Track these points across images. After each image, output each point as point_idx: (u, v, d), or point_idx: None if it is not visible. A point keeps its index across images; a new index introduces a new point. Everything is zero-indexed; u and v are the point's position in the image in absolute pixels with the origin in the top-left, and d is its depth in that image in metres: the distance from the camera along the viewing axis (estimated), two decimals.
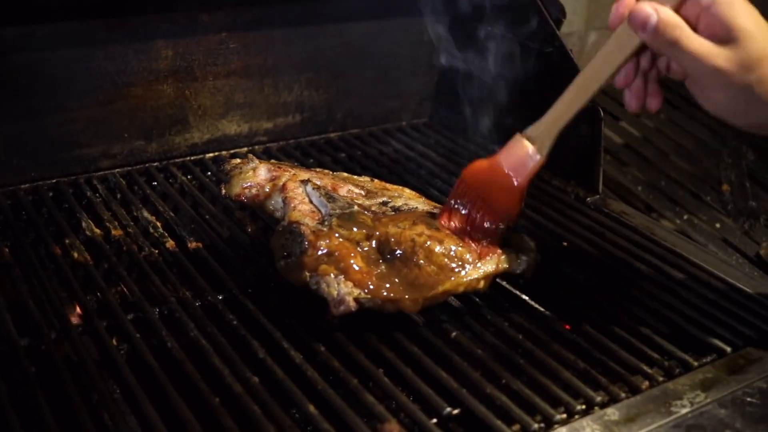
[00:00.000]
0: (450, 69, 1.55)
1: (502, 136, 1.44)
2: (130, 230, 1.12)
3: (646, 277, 1.07)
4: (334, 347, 0.89)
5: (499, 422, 0.80)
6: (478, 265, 0.95)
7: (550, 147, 0.93)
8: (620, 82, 0.90)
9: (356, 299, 0.89)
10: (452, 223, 0.97)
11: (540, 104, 1.38)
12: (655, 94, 0.91)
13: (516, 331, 0.95)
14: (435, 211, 1.04)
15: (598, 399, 0.84)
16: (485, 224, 0.96)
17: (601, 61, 0.89)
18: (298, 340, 0.90)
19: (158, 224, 1.15)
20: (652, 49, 0.86)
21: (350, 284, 0.89)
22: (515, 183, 0.95)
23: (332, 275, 0.90)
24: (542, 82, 1.37)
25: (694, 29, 0.82)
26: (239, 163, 1.14)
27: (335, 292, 0.89)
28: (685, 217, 1.49)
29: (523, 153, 0.94)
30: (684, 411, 0.83)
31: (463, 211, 0.97)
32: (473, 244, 0.95)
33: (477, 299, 1.00)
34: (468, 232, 0.96)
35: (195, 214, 1.18)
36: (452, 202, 0.98)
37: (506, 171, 0.95)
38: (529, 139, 0.93)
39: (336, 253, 0.92)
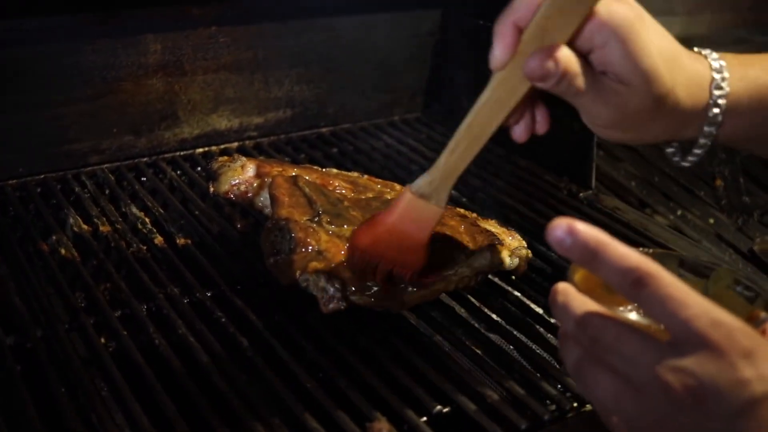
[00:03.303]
0: (441, 63, 1.55)
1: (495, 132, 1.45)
2: (118, 226, 1.11)
3: None
4: (323, 345, 0.89)
5: (489, 420, 0.79)
6: (470, 262, 0.94)
7: (446, 198, 0.84)
8: (511, 120, 0.82)
9: (346, 297, 0.88)
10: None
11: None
12: (543, 121, 0.84)
13: (507, 328, 0.94)
14: None
15: None
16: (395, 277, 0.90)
17: (491, 106, 0.78)
18: (287, 337, 0.89)
19: (147, 220, 1.14)
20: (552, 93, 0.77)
21: (341, 282, 0.89)
22: (417, 240, 0.86)
23: (322, 273, 0.89)
24: None
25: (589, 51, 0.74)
26: (227, 161, 1.13)
27: (325, 290, 0.88)
28: (679, 212, 1.49)
29: (420, 212, 0.85)
30: None
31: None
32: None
33: (468, 295, 0.99)
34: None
35: (184, 210, 1.17)
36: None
37: (405, 231, 0.86)
38: (422, 196, 0.84)
39: (326, 251, 0.91)
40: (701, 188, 1.56)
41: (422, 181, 0.84)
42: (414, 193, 0.84)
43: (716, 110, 0.78)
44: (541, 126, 0.84)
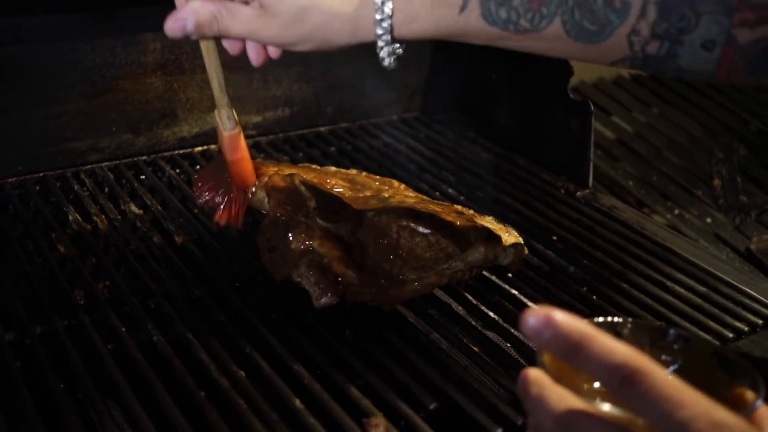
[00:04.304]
0: (440, 63, 1.55)
1: (492, 130, 1.45)
2: (117, 224, 1.11)
3: (636, 272, 1.07)
4: (320, 342, 0.89)
5: (485, 417, 0.80)
6: (464, 257, 0.95)
7: (231, 124, 1.02)
8: (232, 50, 0.90)
9: (339, 292, 0.89)
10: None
11: (530, 97, 1.39)
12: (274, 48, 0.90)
13: (504, 326, 0.94)
14: (423, 204, 1.04)
15: None
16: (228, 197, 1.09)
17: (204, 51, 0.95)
18: (285, 334, 0.90)
19: (146, 218, 1.14)
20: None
21: (334, 278, 0.89)
22: (231, 161, 1.05)
23: (316, 268, 0.89)
24: (532, 75, 1.37)
25: None
26: None
27: (317, 286, 0.88)
28: (676, 211, 1.49)
29: (222, 141, 1.05)
30: None
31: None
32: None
33: (465, 292, 0.99)
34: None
35: (183, 208, 1.17)
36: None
37: (225, 159, 1.06)
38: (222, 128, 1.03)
39: (320, 246, 0.92)
40: (699, 187, 1.57)
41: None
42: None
43: (380, 15, 0.79)
44: (273, 51, 0.90)
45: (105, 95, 1.27)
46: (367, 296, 0.90)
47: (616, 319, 0.59)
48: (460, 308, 0.98)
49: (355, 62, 1.48)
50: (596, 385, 0.56)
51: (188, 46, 1.31)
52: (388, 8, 0.79)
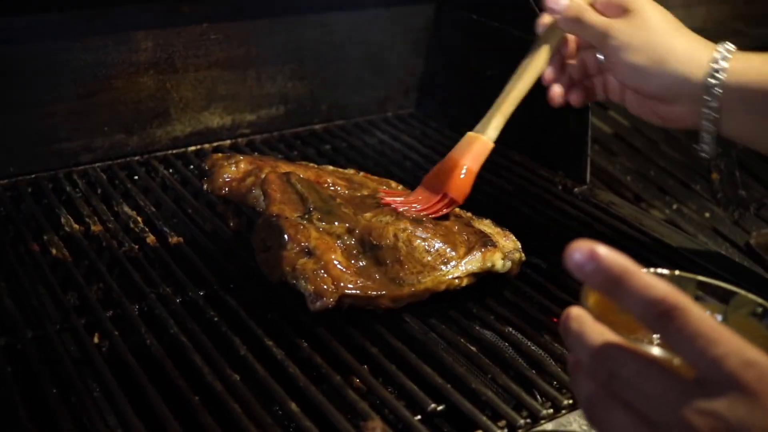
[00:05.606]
0: (435, 59, 1.54)
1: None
2: (110, 226, 1.10)
3: None
4: (316, 343, 0.88)
5: (484, 418, 0.79)
6: (461, 263, 0.93)
7: (495, 135, 1.05)
8: (547, 77, 1.04)
9: (334, 295, 0.88)
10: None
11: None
12: (576, 90, 1.06)
13: (502, 325, 0.93)
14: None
15: None
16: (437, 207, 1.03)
17: (532, 56, 1.04)
18: (281, 335, 0.89)
19: (139, 219, 1.13)
20: (565, 29, 1.02)
21: (329, 280, 0.88)
22: (468, 167, 1.03)
23: (311, 270, 0.88)
24: None
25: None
26: (220, 158, 1.12)
27: (312, 288, 0.87)
28: (675, 206, 1.48)
29: (472, 142, 1.05)
30: None
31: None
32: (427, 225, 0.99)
33: (462, 293, 0.98)
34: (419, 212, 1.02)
35: (177, 208, 1.16)
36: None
37: (457, 159, 1.04)
38: (477, 132, 1.05)
39: (316, 248, 0.91)
40: (697, 182, 1.56)
41: (479, 125, 1.06)
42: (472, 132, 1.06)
43: (712, 80, 0.90)
44: (573, 96, 1.06)
45: (97, 95, 1.26)
46: (363, 300, 0.89)
47: (660, 270, 0.60)
48: (456, 308, 0.96)
49: (350, 59, 1.47)
50: (635, 336, 0.56)
51: (180, 44, 1.30)
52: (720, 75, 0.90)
